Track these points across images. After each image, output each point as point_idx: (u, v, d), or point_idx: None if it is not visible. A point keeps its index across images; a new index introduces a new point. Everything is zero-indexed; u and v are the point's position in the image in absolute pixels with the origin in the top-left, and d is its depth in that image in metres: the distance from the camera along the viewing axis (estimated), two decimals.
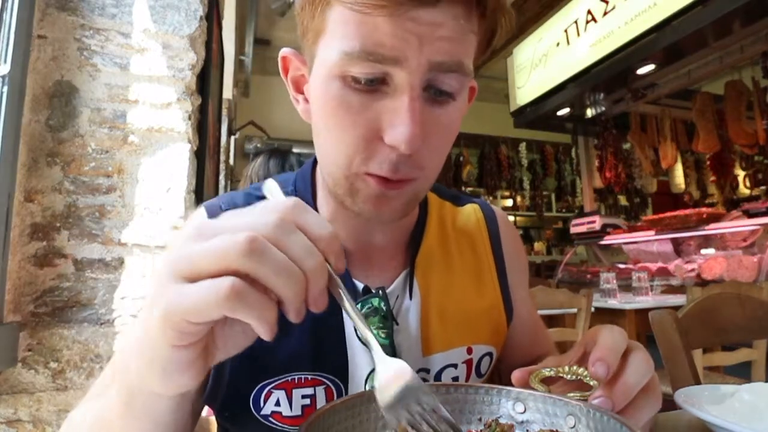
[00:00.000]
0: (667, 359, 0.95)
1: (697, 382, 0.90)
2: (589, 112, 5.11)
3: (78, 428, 0.42)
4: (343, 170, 0.45)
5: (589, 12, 4.19)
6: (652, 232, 3.65)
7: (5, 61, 1.17)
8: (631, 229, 4.04)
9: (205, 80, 1.57)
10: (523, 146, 7.24)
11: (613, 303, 2.62)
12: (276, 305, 0.27)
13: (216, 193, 2.36)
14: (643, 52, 3.73)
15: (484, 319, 0.61)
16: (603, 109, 4.98)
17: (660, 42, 3.55)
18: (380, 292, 0.54)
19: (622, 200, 6.46)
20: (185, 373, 0.29)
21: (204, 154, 1.56)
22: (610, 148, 5.35)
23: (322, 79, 0.43)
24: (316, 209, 0.57)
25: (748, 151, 4.67)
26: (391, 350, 0.53)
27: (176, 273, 0.27)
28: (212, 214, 0.55)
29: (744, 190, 5.35)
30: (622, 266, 3.86)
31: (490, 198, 7.20)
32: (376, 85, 0.41)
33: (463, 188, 6.90)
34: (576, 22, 4.37)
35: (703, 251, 3.46)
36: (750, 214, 3.13)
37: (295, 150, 5.97)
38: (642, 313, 2.49)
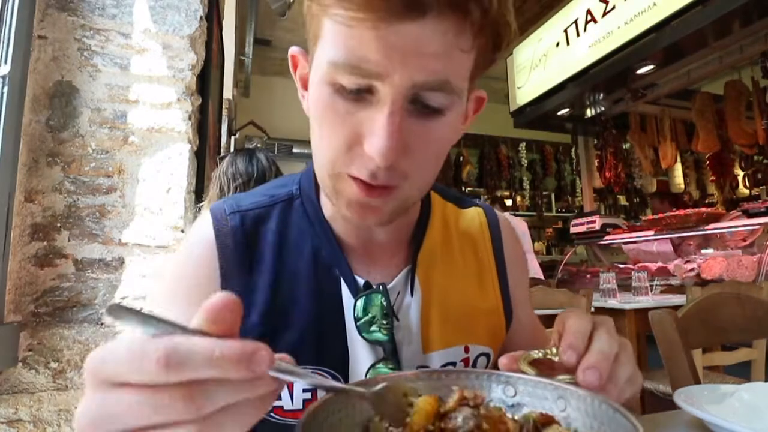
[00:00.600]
0: (666, 359, 0.95)
1: (697, 382, 0.90)
2: (589, 112, 5.11)
3: None
4: (327, 170, 0.46)
5: (588, 12, 4.19)
6: (652, 232, 3.66)
7: (5, 62, 1.17)
8: (631, 229, 4.04)
9: (205, 80, 1.57)
10: (523, 146, 7.25)
11: (612, 303, 2.62)
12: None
13: None
14: (643, 52, 3.73)
15: (483, 320, 0.61)
16: (603, 109, 4.98)
17: (660, 42, 3.55)
18: (381, 287, 0.54)
19: (622, 200, 6.46)
20: None
21: (204, 154, 1.56)
22: (609, 148, 5.35)
23: (316, 82, 0.44)
24: (319, 207, 0.58)
25: (748, 151, 4.68)
26: (392, 347, 0.53)
27: (95, 376, 0.25)
28: (217, 217, 0.56)
29: (743, 189, 5.35)
30: (621, 266, 3.86)
31: (490, 198, 7.21)
32: (362, 94, 0.41)
33: (463, 188, 6.91)
34: (576, 22, 4.37)
35: (703, 251, 3.46)
36: (749, 214, 3.13)
37: (295, 150, 5.99)
38: (642, 313, 2.49)
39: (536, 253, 7.26)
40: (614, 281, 2.81)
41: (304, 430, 0.28)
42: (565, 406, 0.36)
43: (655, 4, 3.47)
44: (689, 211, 3.48)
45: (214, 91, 1.91)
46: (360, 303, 0.54)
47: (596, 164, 5.62)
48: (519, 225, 4.25)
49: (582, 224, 4.44)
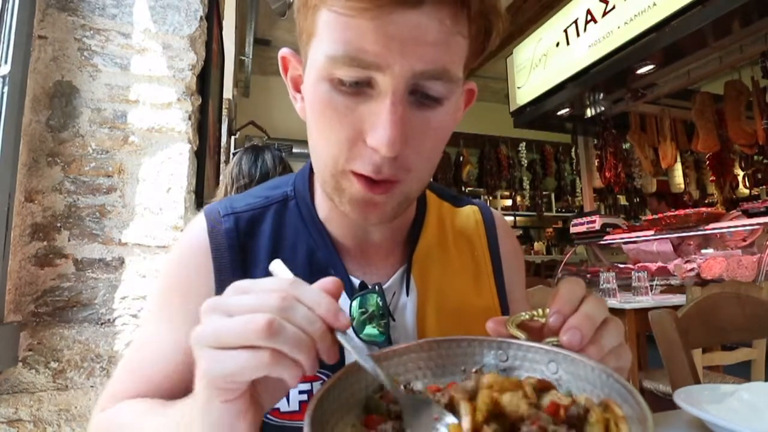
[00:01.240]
0: (666, 359, 0.95)
1: (697, 382, 0.90)
2: (589, 112, 5.11)
3: None
4: (329, 168, 0.46)
5: (588, 12, 4.19)
6: (652, 232, 3.66)
7: (6, 62, 1.17)
8: (631, 229, 4.04)
9: (205, 80, 1.58)
10: (522, 146, 7.25)
11: (612, 303, 2.62)
12: (296, 364, 0.33)
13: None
14: (643, 52, 3.73)
15: (479, 318, 0.61)
16: (603, 108, 4.98)
17: (659, 42, 3.55)
18: (377, 288, 0.54)
19: (622, 200, 6.46)
20: (240, 422, 0.34)
21: (204, 154, 1.56)
22: (609, 147, 5.34)
23: (312, 80, 0.44)
24: (314, 208, 0.58)
25: (748, 151, 4.67)
26: (387, 346, 0.53)
27: (206, 343, 0.32)
28: (211, 219, 0.56)
29: (743, 189, 5.35)
30: (621, 266, 3.86)
31: (490, 198, 7.21)
32: (361, 88, 0.41)
33: (463, 188, 6.91)
34: (576, 22, 4.37)
35: (703, 251, 3.46)
36: (749, 214, 3.13)
37: (295, 150, 5.99)
38: (642, 312, 2.49)
39: (536, 253, 7.28)
40: (614, 281, 2.81)
41: (313, 415, 0.30)
42: (557, 369, 0.37)
43: (655, 4, 3.47)
44: (689, 211, 3.47)
45: (214, 91, 1.91)
46: (356, 303, 0.53)
47: (596, 164, 5.62)
48: None
49: (582, 224, 4.44)
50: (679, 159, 5.54)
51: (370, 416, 0.35)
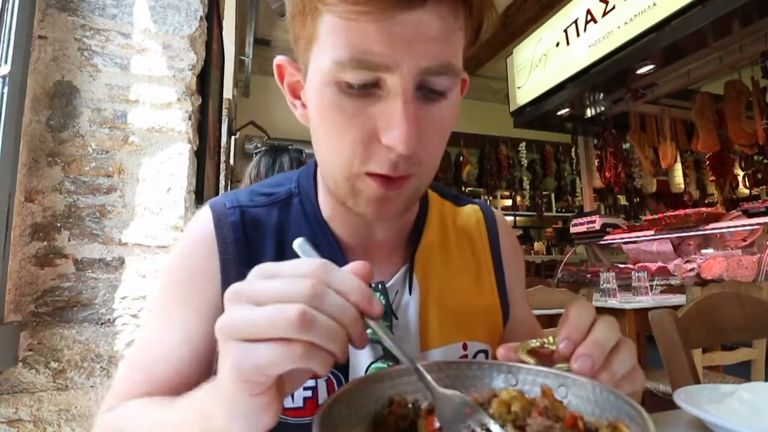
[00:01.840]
0: (666, 359, 0.95)
1: (697, 382, 0.90)
2: (589, 112, 5.11)
3: None
4: (343, 172, 0.46)
5: (588, 12, 4.19)
6: (652, 232, 3.65)
7: (6, 62, 1.17)
8: (631, 229, 4.04)
9: (206, 80, 1.58)
10: (523, 146, 7.25)
11: (612, 303, 2.62)
12: (329, 354, 0.31)
13: (216, 193, 2.36)
14: (643, 52, 3.73)
15: (480, 317, 0.61)
16: (603, 108, 4.98)
17: (659, 42, 3.55)
18: (380, 286, 0.55)
19: (622, 200, 6.46)
20: (265, 415, 0.33)
21: (204, 154, 1.56)
22: (609, 147, 5.34)
23: (317, 85, 0.44)
24: (318, 206, 0.58)
25: (748, 151, 4.67)
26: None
27: (234, 336, 0.31)
28: (217, 212, 0.56)
29: (743, 189, 5.35)
30: (621, 266, 3.86)
31: (490, 198, 7.21)
32: (369, 89, 0.42)
33: (463, 188, 6.91)
34: (576, 22, 4.37)
35: (703, 251, 3.46)
36: (749, 214, 3.13)
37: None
38: (642, 312, 2.49)
39: (536, 252, 7.28)
40: (614, 281, 2.81)
41: (320, 423, 0.30)
42: (567, 394, 0.37)
43: (655, 4, 3.47)
44: (689, 211, 3.47)
45: (214, 91, 1.91)
46: None
47: (596, 164, 5.62)
48: None
49: (582, 224, 4.44)
50: (679, 159, 5.54)
51: (378, 431, 0.35)
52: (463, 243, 0.64)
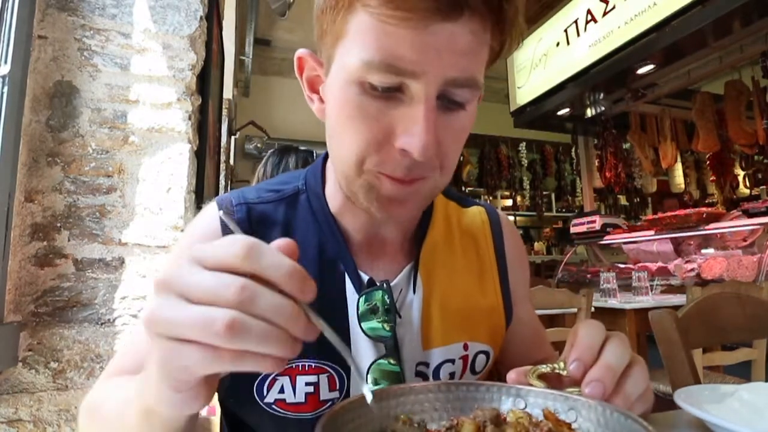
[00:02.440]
0: (667, 359, 0.95)
1: (697, 382, 0.90)
2: (589, 112, 5.10)
3: (99, 417, 0.46)
4: (354, 170, 0.46)
5: (588, 12, 4.19)
6: (652, 232, 3.65)
7: (6, 62, 1.17)
8: (631, 229, 4.04)
9: (205, 80, 1.57)
10: (523, 146, 7.24)
11: (613, 303, 2.62)
12: (267, 357, 0.29)
13: (216, 193, 2.36)
14: (643, 52, 3.73)
15: (483, 318, 0.62)
16: (603, 108, 4.98)
17: (660, 42, 3.55)
18: (384, 284, 0.55)
19: (622, 200, 6.46)
20: (193, 402, 0.32)
21: (204, 154, 1.56)
22: (609, 147, 5.34)
23: (341, 83, 0.44)
24: (325, 203, 0.58)
25: (748, 151, 4.67)
26: (394, 343, 0.54)
27: (161, 333, 0.29)
28: (224, 208, 0.56)
29: (744, 189, 5.35)
30: (622, 266, 3.86)
31: (490, 198, 7.21)
32: (392, 93, 0.42)
33: (463, 188, 6.91)
34: (576, 22, 4.37)
35: (703, 251, 3.46)
36: (750, 214, 3.13)
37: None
38: (642, 312, 2.49)
39: (537, 253, 7.28)
40: (614, 281, 2.81)
41: (324, 429, 0.29)
42: (576, 417, 0.36)
43: (655, 4, 3.47)
44: (689, 211, 3.47)
45: (214, 91, 1.91)
46: (363, 299, 0.54)
47: (596, 164, 5.62)
48: None
49: (582, 224, 4.43)
50: (679, 159, 5.54)
51: None
52: (467, 244, 0.65)
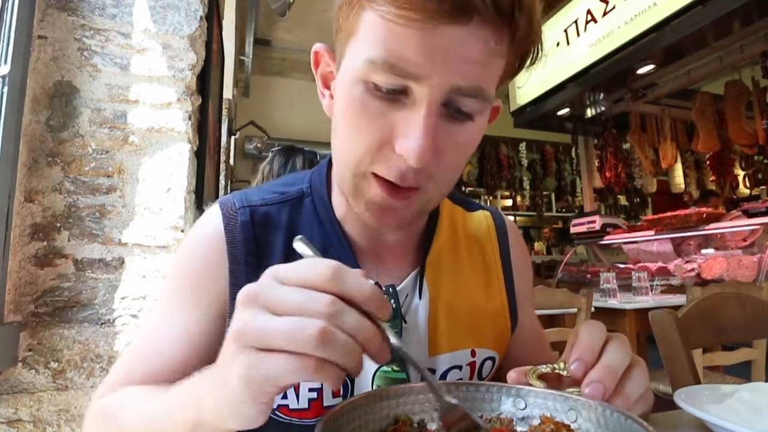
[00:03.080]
0: (667, 359, 0.95)
1: (697, 382, 0.90)
2: (589, 112, 5.10)
3: (116, 425, 0.45)
4: (351, 168, 0.46)
5: (589, 12, 4.19)
6: (652, 232, 3.65)
7: (5, 62, 1.17)
8: (631, 229, 4.04)
9: (205, 80, 1.57)
10: (523, 146, 7.24)
11: (613, 303, 2.62)
12: (341, 369, 0.31)
13: (216, 193, 2.36)
14: (643, 52, 3.73)
15: (489, 323, 0.61)
16: (603, 109, 4.98)
17: (660, 42, 3.55)
18: (390, 290, 0.54)
19: (622, 200, 6.46)
20: (261, 417, 0.33)
21: (204, 154, 1.56)
22: (609, 147, 5.34)
23: (347, 80, 0.44)
24: (330, 206, 0.57)
25: (748, 151, 4.67)
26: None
27: (250, 343, 0.30)
28: (227, 211, 0.56)
29: (744, 189, 5.34)
30: (622, 266, 3.86)
31: (490, 198, 7.21)
32: (396, 95, 0.41)
33: (463, 188, 6.90)
34: (576, 22, 4.37)
35: (703, 251, 3.46)
36: (750, 214, 3.13)
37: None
38: (642, 313, 2.49)
39: (537, 253, 7.28)
40: (614, 281, 2.81)
41: (324, 430, 0.30)
42: (576, 417, 0.36)
43: (655, 4, 3.47)
44: (689, 211, 3.47)
45: (214, 91, 1.91)
46: None
47: (596, 164, 5.62)
48: None
49: (582, 224, 4.43)
50: (679, 159, 5.54)
51: None
52: (473, 248, 0.64)
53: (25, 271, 1.20)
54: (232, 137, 4.66)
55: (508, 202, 7.45)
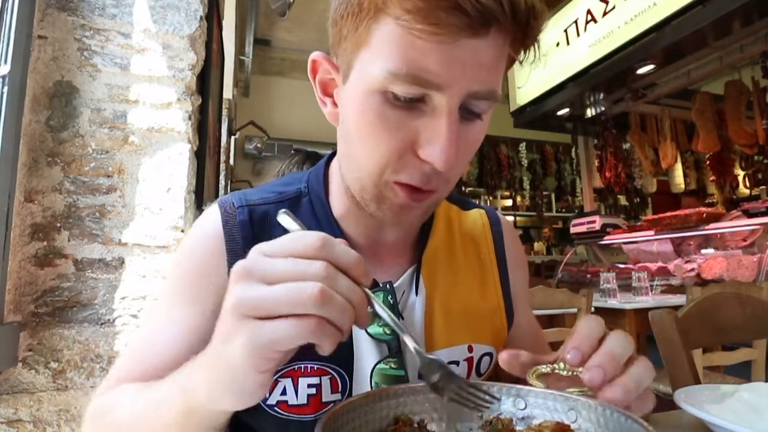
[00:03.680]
0: (667, 359, 0.95)
1: (697, 382, 0.90)
2: (589, 112, 5.10)
3: (112, 421, 0.46)
4: (373, 178, 0.47)
5: (589, 12, 4.19)
6: (652, 232, 3.65)
7: (5, 62, 1.17)
8: (631, 229, 4.03)
9: (205, 80, 1.57)
10: (523, 146, 7.24)
11: (613, 303, 2.62)
12: (337, 330, 0.33)
13: (216, 193, 2.36)
14: (643, 52, 3.73)
15: (485, 319, 0.62)
16: (603, 109, 4.98)
17: (660, 42, 3.55)
18: (387, 286, 0.55)
19: (622, 200, 6.46)
20: (261, 391, 0.34)
21: (204, 154, 1.56)
22: (609, 148, 5.34)
23: (362, 91, 0.44)
24: (328, 206, 0.58)
25: (748, 151, 4.67)
26: (397, 344, 0.54)
27: (249, 313, 0.32)
28: (226, 211, 0.56)
29: (744, 189, 5.34)
30: (622, 266, 3.86)
31: (490, 198, 7.21)
32: (414, 103, 0.42)
33: (463, 188, 6.90)
34: (576, 22, 4.37)
35: (703, 251, 3.46)
36: (750, 214, 3.12)
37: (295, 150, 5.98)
38: (642, 313, 2.49)
39: (536, 253, 7.28)
40: (614, 281, 2.81)
41: (324, 428, 0.30)
42: (576, 417, 0.36)
43: (655, 4, 3.47)
44: (689, 211, 3.47)
45: (214, 91, 1.91)
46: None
47: (596, 164, 5.62)
48: None
49: (582, 224, 4.43)
50: (679, 159, 5.54)
51: None
52: (468, 246, 0.65)
53: (25, 271, 1.20)
54: (232, 137, 4.66)
55: (508, 202, 7.45)
